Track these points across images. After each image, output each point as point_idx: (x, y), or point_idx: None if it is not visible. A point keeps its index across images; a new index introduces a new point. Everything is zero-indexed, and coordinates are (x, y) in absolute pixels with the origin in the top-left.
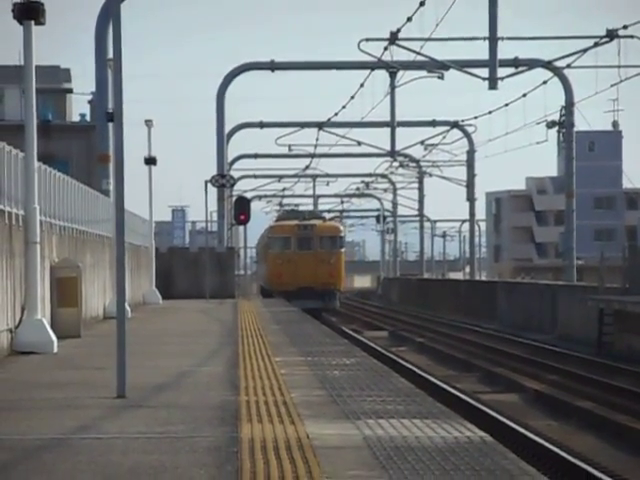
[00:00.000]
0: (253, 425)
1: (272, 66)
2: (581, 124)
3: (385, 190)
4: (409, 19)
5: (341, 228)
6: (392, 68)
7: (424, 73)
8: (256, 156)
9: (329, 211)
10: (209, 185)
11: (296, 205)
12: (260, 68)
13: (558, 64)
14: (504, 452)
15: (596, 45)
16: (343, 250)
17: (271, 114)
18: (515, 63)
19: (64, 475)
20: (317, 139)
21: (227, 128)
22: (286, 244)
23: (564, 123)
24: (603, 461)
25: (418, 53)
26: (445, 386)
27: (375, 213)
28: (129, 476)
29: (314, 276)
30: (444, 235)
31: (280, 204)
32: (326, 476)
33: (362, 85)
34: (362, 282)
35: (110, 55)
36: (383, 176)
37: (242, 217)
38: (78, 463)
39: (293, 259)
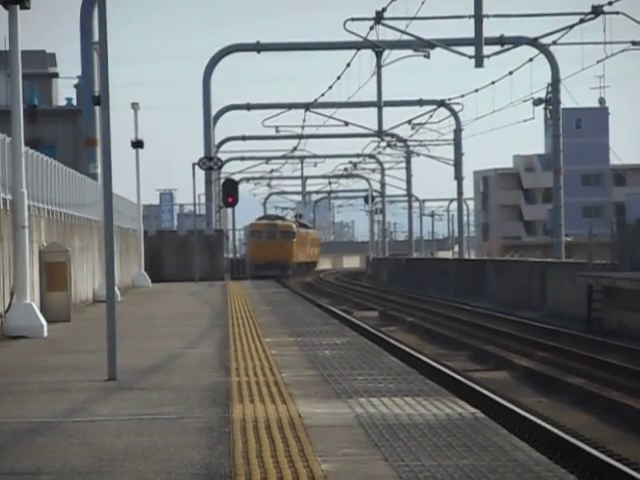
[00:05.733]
0: (245, 405)
1: (258, 47)
2: (568, 101)
3: (373, 170)
4: None
5: (294, 226)
6: (378, 48)
7: (410, 52)
8: (243, 138)
9: (317, 192)
10: (197, 168)
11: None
12: (246, 49)
13: (544, 41)
14: (496, 428)
15: (582, 22)
16: (295, 240)
17: (258, 96)
18: (501, 41)
19: (57, 457)
20: (304, 120)
21: (214, 110)
22: (260, 235)
23: (550, 100)
24: (594, 437)
25: (404, 32)
26: (436, 364)
27: (363, 194)
28: (122, 457)
29: (275, 255)
30: (432, 214)
31: (268, 185)
32: (318, 455)
33: (348, 65)
34: (351, 263)
35: (96, 39)
36: (371, 156)
37: (230, 199)
38: (71, 445)
39: (264, 244)
